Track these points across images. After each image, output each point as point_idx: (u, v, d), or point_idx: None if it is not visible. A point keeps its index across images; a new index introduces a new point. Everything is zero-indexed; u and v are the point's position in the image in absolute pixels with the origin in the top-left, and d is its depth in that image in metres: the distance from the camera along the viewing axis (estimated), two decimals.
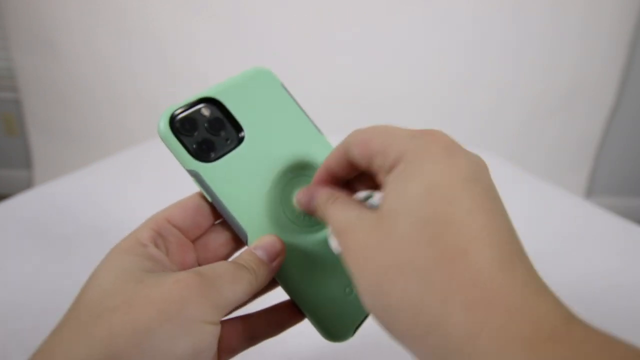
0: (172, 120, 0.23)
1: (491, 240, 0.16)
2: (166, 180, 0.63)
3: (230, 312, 0.25)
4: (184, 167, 0.23)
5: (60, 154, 1.69)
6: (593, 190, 1.73)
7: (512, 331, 0.14)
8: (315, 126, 0.27)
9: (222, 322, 0.24)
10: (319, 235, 0.26)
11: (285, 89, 0.27)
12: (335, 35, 1.45)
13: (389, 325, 0.17)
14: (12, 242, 0.53)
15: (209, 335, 0.19)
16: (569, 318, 0.14)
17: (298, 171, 0.26)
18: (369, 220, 0.18)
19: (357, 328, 0.26)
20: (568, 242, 0.58)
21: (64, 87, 1.58)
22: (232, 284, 0.21)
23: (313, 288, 0.25)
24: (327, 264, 0.25)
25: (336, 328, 0.25)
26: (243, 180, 0.24)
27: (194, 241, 0.25)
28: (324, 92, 1.49)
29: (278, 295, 0.26)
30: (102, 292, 0.19)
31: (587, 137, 1.59)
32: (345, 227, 0.19)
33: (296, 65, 1.47)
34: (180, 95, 1.52)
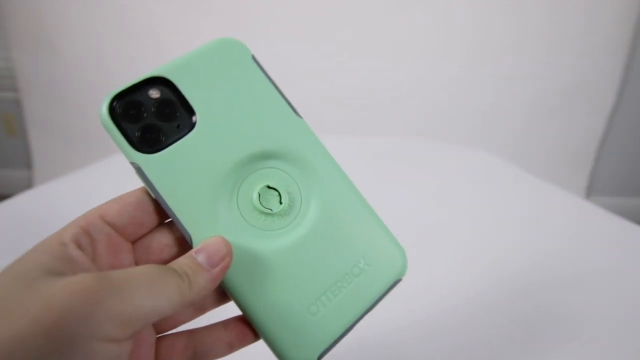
0: (114, 105, 0.20)
1: None
2: None
3: (169, 326, 0.22)
4: (127, 159, 0.20)
5: (60, 154, 1.69)
6: (593, 190, 1.73)
7: None
8: (292, 107, 0.23)
9: (161, 338, 0.21)
10: (282, 241, 0.22)
11: (257, 63, 0.23)
12: (334, 35, 1.45)
13: None
14: (12, 242, 0.53)
15: (104, 355, 0.15)
16: None
17: (263, 162, 0.22)
18: None
19: (321, 355, 0.22)
20: (568, 242, 0.58)
21: (64, 87, 1.58)
22: (150, 291, 0.17)
23: (269, 303, 0.21)
24: (289, 276, 0.21)
25: (295, 354, 0.21)
26: (191, 174, 0.21)
27: (135, 242, 0.21)
28: (324, 91, 1.49)
29: (235, 310, 0.22)
30: None
31: (587, 137, 1.59)
32: None
33: (296, 64, 1.46)
34: None
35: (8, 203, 0.62)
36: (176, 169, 0.20)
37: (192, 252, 0.20)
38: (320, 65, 1.48)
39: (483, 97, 1.51)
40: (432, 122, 1.54)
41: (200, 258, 0.19)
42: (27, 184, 1.79)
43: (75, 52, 1.52)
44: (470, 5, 1.39)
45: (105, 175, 0.74)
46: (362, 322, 0.23)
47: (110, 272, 0.17)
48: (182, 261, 0.19)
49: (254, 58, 0.23)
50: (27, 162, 1.79)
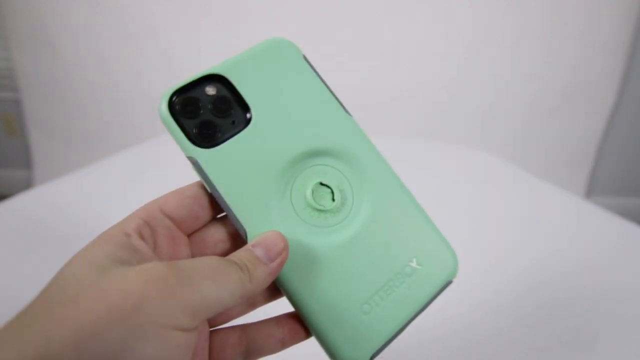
0: (173, 101, 0.21)
1: None
2: (167, 180, 0.63)
3: (221, 321, 0.22)
4: (184, 153, 0.21)
5: (60, 154, 1.69)
6: (593, 190, 1.73)
7: None
8: (342, 106, 0.23)
9: (215, 331, 0.21)
10: (335, 238, 0.22)
11: (308, 62, 0.24)
12: (334, 35, 1.45)
13: None
14: (12, 242, 0.53)
15: (174, 344, 0.16)
16: None
17: (316, 159, 0.22)
18: None
19: (374, 356, 0.21)
20: (568, 242, 0.58)
21: (64, 87, 1.58)
22: (215, 282, 0.17)
23: (321, 300, 0.21)
24: (342, 273, 0.21)
25: (347, 352, 0.21)
26: (246, 169, 0.21)
27: (190, 235, 0.22)
28: None
29: (286, 306, 0.23)
30: (60, 284, 0.17)
31: (587, 137, 1.59)
32: None
33: None
34: None
35: (8, 203, 0.62)
36: (232, 164, 0.21)
37: (249, 245, 0.20)
38: (320, 65, 1.47)
39: (483, 97, 1.51)
40: (432, 122, 1.53)
41: (258, 252, 0.19)
42: (27, 184, 1.79)
43: (75, 52, 1.52)
44: (470, 5, 1.39)
45: (105, 175, 0.74)
46: None
47: (179, 262, 0.17)
48: (242, 254, 0.19)
49: (304, 57, 0.24)
50: (27, 162, 1.79)
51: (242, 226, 0.21)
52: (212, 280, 0.17)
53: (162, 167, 0.76)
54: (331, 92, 0.23)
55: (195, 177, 0.22)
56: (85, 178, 0.73)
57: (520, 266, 0.52)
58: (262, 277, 0.19)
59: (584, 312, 0.45)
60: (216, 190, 0.21)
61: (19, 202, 0.62)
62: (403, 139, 1.05)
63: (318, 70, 0.24)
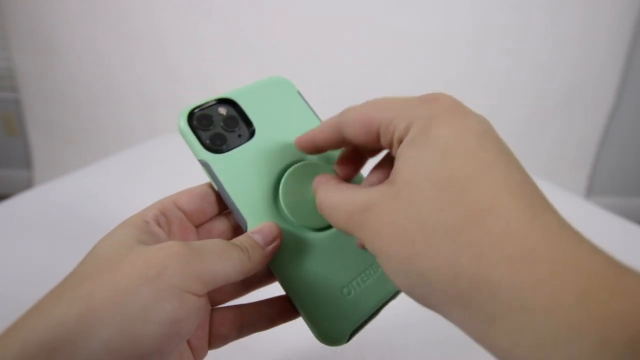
0: (191, 116, 0.25)
1: (515, 191, 0.16)
2: (167, 180, 0.63)
3: (222, 300, 0.26)
4: (196, 157, 0.25)
5: (60, 154, 1.69)
6: (593, 190, 1.73)
7: (564, 282, 0.14)
8: None
9: (215, 310, 0.25)
10: (321, 231, 0.26)
11: (301, 95, 0.29)
12: (335, 35, 1.45)
13: (426, 296, 0.17)
14: (12, 242, 0.53)
15: (189, 305, 0.19)
16: (618, 267, 0.14)
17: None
18: (386, 194, 0.18)
19: (353, 334, 0.25)
20: None
21: (64, 87, 1.58)
22: (220, 259, 0.21)
23: (308, 284, 0.24)
24: (325, 262, 0.25)
25: (330, 330, 0.24)
26: (249, 172, 0.25)
27: (198, 226, 0.26)
28: (324, 91, 1.48)
29: (277, 292, 0.26)
30: (95, 258, 0.20)
31: (587, 137, 1.59)
32: (362, 204, 0.18)
33: (296, 64, 1.46)
34: (180, 95, 1.52)
35: (8, 203, 0.62)
36: (237, 167, 0.25)
37: (249, 232, 0.24)
38: (320, 65, 1.48)
39: (483, 97, 1.51)
40: None
41: (257, 237, 0.23)
42: (27, 184, 1.79)
43: (75, 52, 1.52)
44: (470, 5, 1.39)
45: (105, 176, 0.74)
46: None
47: (192, 242, 0.21)
48: (243, 239, 0.23)
49: (298, 92, 0.29)
50: (27, 162, 1.79)
51: (243, 218, 0.24)
52: (218, 257, 0.21)
53: (162, 167, 0.76)
54: (317, 117, 0.29)
55: (203, 179, 0.25)
56: (85, 178, 0.73)
57: None
58: (258, 258, 0.22)
59: None
60: (222, 188, 0.25)
61: (19, 202, 0.62)
62: None
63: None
